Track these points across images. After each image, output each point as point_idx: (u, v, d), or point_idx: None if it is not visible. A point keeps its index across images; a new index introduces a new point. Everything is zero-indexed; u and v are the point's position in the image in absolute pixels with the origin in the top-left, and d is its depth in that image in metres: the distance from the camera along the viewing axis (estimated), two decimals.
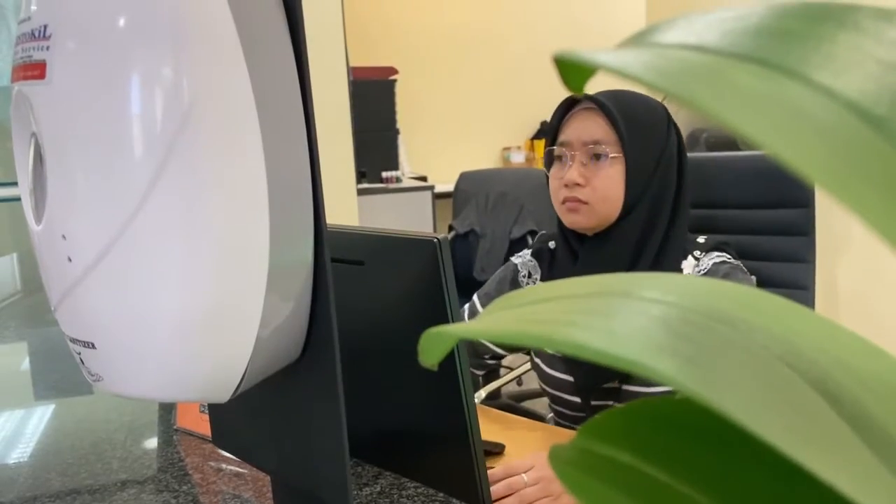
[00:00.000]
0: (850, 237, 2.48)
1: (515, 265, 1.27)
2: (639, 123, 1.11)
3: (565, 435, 1.12)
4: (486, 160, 4.47)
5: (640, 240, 1.12)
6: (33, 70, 0.46)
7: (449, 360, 0.79)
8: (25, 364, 2.16)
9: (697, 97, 0.19)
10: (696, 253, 1.14)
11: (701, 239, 1.16)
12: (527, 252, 1.27)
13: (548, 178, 1.18)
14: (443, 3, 4.42)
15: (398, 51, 4.28)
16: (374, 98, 3.69)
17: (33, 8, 0.48)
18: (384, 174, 3.79)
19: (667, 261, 1.12)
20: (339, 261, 0.75)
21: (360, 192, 3.33)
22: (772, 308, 0.27)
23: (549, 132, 1.18)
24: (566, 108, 1.15)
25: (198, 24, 0.46)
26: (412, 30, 4.39)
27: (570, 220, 1.14)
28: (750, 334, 0.24)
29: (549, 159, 1.17)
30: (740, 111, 0.18)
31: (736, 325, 0.25)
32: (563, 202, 1.13)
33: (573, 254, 1.17)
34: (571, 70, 0.24)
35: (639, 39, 0.25)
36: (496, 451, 1.01)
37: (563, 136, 1.14)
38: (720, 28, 0.23)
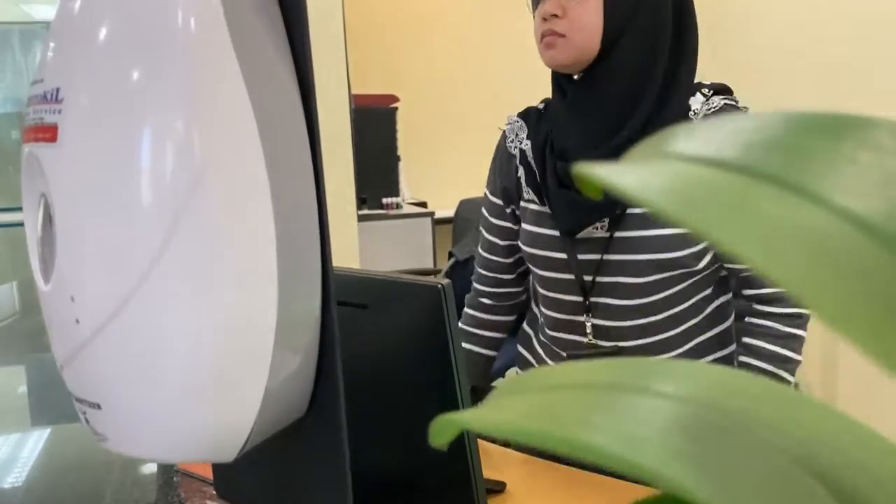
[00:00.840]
0: None
1: (504, 132, 1.22)
2: None
3: (564, 473, 1.11)
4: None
5: (636, 75, 1.04)
6: (45, 133, 0.46)
7: (451, 402, 0.79)
8: (23, 388, 2.14)
9: (721, 234, 0.19)
10: (704, 91, 1.08)
11: (705, 81, 1.10)
12: (514, 115, 1.22)
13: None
14: (444, 31, 4.46)
15: (400, 78, 4.31)
16: (375, 125, 3.70)
17: (46, 70, 0.48)
18: (384, 200, 3.80)
19: (675, 97, 1.05)
20: (343, 304, 0.75)
21: (361, 219, 3.33)
22: (788, 404, 0.27)
23: None
24: None
25: (209, 88, 0.46)
26: (414, 57, 4.42)
27: (548, 58, 1.07)
28: (766, 436, 0.24)
29: (535, 1, 1.10)
30: (765, 250, 0.18)
31: (752, 426, 0.24)
32: (542, 37, 1.06)
33: (564, 98, 1.10)
34: (590, 181, 0.24)
35: (658, 149, 0.25)
36: (497, 489, 1.00)
37: None
38: (740, 140, 0.24)
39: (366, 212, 3.67)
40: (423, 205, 4.09)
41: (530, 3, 1.12)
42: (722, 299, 1.16)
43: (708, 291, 1.13)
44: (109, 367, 0.47)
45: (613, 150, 1.04)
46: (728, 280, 1.16)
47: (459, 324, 1.23)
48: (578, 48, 1.04)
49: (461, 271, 3.19)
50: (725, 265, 1.11)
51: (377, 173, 3.74)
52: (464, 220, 3.22)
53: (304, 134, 0.52)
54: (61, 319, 0.48)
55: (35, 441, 1.19)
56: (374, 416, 0.83)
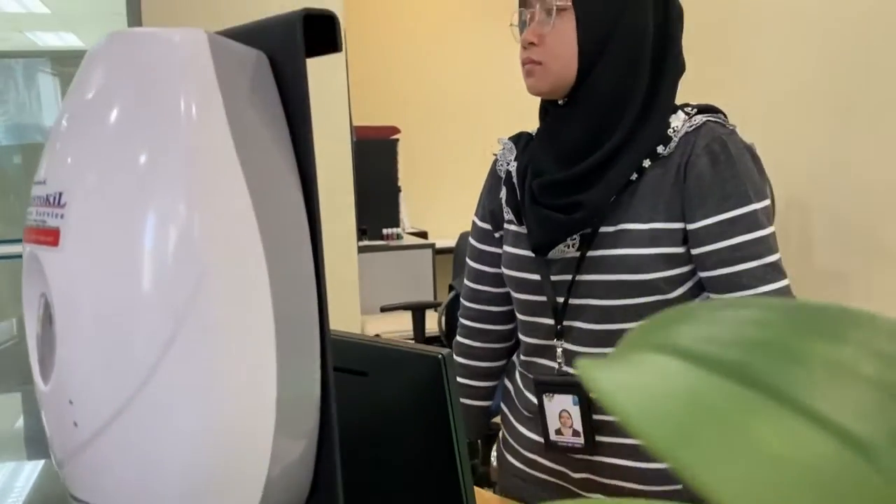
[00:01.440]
0: None
1: (496, 157, 1.23)
2: None
3: None
4: None
5: (615, 97, 1.03)
6: (47, 236, 0.46)
7: (451, 474, 0.78)
8: (19, 419, 2.12)
9: (713, 475, 0.18)
10: (687, 108, 1.07)
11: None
12: (505, 138, 1.22)
13: None
14: (445, 63, 4.49)
15: (401, 110, 4.34)
16: (376, 157, 3.72)
17: (49, 172, 0.48)
18: (385, 231, 3.81)
19: (656, 116, 1.04)
20: (341, 370, 0.75)
21: (361, 250, 3.33)
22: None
23: None
24: None
25: (211, 192, 0.46)
26: (415, 88, 4.45)
27: (528, 85, 1.07)
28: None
29: (522, 27, 1.10)
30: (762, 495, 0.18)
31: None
32: (523, 66, 1.07)
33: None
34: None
35: (655, 337, 0.25)
36: None
37: None
38: (741, 337, 0.24)
39: (366, 243, 3.68)
40: (424, 234, 4.10)
41: (517, 32, 1.12)
42: None
43: None
44: (108, 469, 0.47)
45: (586, 170, 1.03)
46: None
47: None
48: (555, 75, 1.04)
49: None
50: (712, 296, 1.05)
51: (378, 204, 3.75)
52: (465, 253, 3.22)
53: (305, 226, 0.52)
54: (59, 421, 0.48)
55: (29, 472, 1.18)
56: (373, 485, 0.82)
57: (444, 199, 4.51)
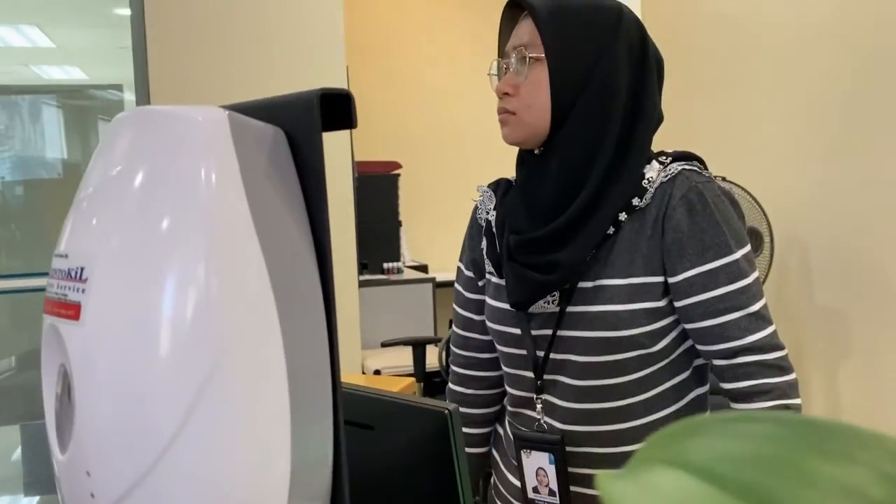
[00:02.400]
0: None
1: (476, 205, 1.22)
2: (570, 22, 1.02)
3: None
4: None
5: (586, 145, 1.02)
6: (68, 310, 0.48)
7: None
8: (17, 455, 2.10)
9: None
10: (662, 158, 1.05)
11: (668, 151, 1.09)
12: (484, 186, 1.21)
13: None
14: (446, 98, 4.54)
15: (402, 144, 4.38)
16: (377, 191, 3.75)
17: (70, 246, 0.49)
18: (385, 265, 3.82)
19: (628, 165, 1.02)
20: (348, 423, 0.75)
21: (362, 284, 3.34)
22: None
23: (499, 47, 1.11)
24: (513, 20, 1.08)
25: (230, 272, 0.47)
26: (416, 124, 4.50)
27: (503, 135, 1.06)
28: None
29: (500, 76, 1.10)
30: None
31: None
32: (498, 115, 1.06)
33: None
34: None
35: (667, 452, 0.26)
36: None
37: (502, 46, 1.08)
38: (751, 455, 0.24)
39: (367, 277, 3.68)
40: (424, 268, 4.11)
41: (495, 81, 1.11)
42: (699, 391, 1.09)
43: (677, 380, 1.06)
44: None
45: (561, 227, 1.02)
46: (704, 370, 1.10)
47: None
48: (529, 125, 1.04)
49: None
50: (699, 347, 1.04)
51: (378, 238, 3.76)
52: None
53: (319, 295, 0.53)
54: (76, 492, 0.49)
55: None
56: None
57: (444, 232, 4.53)
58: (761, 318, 1.01)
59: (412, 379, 3.11)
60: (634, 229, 1.02)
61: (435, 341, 3.25)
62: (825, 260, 2.55)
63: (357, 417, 0.85)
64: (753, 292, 1.01)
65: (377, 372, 3.31)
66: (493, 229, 1.14)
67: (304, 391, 0.52)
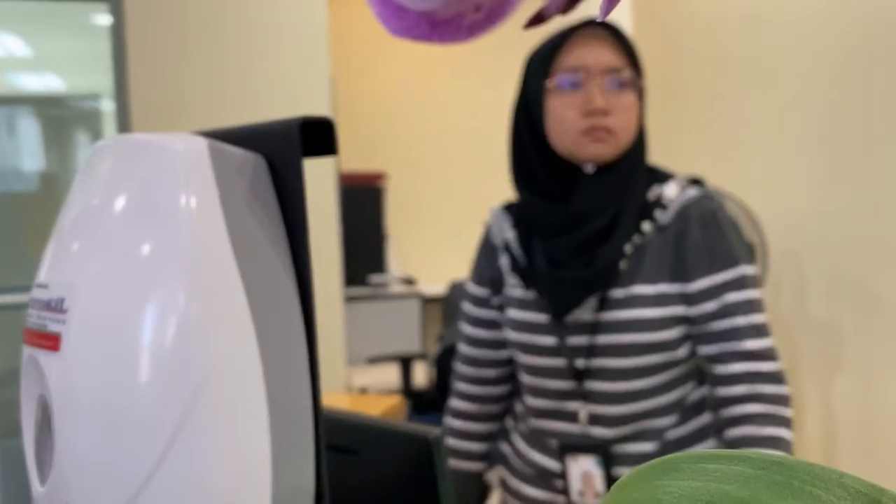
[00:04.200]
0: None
1: (487, 226, 1.27)
2: (636, 50, 1.14)
3: None
4: None
5: (634, 173, 1.15)
6: (48, 341, 0.47)
7: None
8: None
9: None
10: (680, 180, 1.16)
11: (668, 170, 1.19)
12: (496, 207, 1.26)
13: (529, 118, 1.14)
14: (433, 109, 4.55)
15: (390, 154, 4.38)
16: (363, 203, 3.74)
17: (50, 275, 0.49)
18: (372, 278, 3.81)
19: (642, 185, 1.15)
20: (331, 448, 0.75)
21: (347, 299, 3.34)
22: None
23: (541, 62, 1.12)
24: (563, 36, 1.11)
25: (209, 299, 0.47)
26: (402, 135, 4.50)
27: (592, 151, 1.11)
28: None
29: (559, 87, 1.11)
30: None
31: None
32: (588, 132, 1.10)
33: (566, 189, 1.15)
34: None
35: (639, 490, 0.26)
36: None
37: (578, 61, 1.09)
38: (720, 492, 0.25)
39: (353, 291, 3.67)
40: (411, 281, 4.10)
41: (539, 90, 1.12)
42: (704, 391, 1.18)
43: (689, 386, 1.16)
44: None
45: (595, 231, 1.11)
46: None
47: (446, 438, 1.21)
48: (621, 146, 1.13)
49: (453, 356, 3.19)
50: (701, 349, 1.12)
51: (364, 252, 3.76)
52: (455, 304, 3.23)
53: (300, 324, 0.53)
54: None
55: None
56: None
57: (432, 244, 4.53)
58: (762, 330, 1.10)
59: (400, 397, 3.10)
60: (659, 243, 1.12)
61: (422, 356, 3.25)
62: (820, 272, 2.57)
63: (341, 442, 0.84)
64: (757, 305, 1.10)
65: (363, 390, 3.30)
66: (518, 246, 1.19)
67: (285, 417, 0.52)
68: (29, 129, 4.20)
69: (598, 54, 1.09)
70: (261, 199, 0.51)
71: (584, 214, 1.12)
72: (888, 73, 2.30)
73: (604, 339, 1.11)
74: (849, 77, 2.42)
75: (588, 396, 1.13)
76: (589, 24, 1.10)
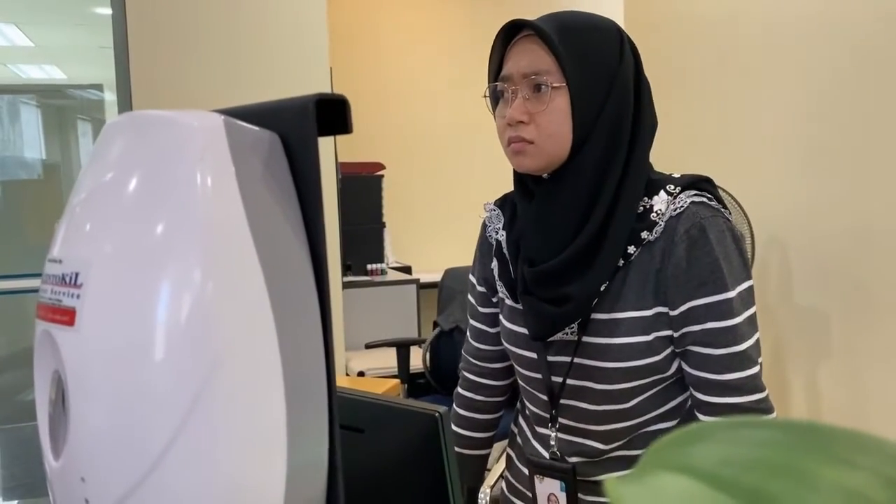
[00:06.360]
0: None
1: (484, 221, 1.21)
2: (583, 46, 1.00)
3: None
4: (471, 251, 4.51)
5: (597, 175, 1.01)
6: (62, 315, 0.47)
7: None
8: None
9: None
10: (670, 188, 1.03)
11: (676, 174, 1.07)
12: (491, 203, 1.20)
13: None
14: (431, 99, 4.54)
15: (386, 145, 4.37)
16: (361, 193, 3.74)
17: (64, 251, 0.49)
18: (369, 266, 3.81)
19: (627, 196, 1.02)
20: (340, 427, 0.76)
21: (345, 286, 3.34)
22: None
23: (491, 68, 1.06)
24: (506, 40, 1.04)
25: (225, 274, 0.47)
26: (400, 125, 4.49)
27: (517, 164, 1.04)
28: None
29: (494, 98, 1.06)
30: None
31: None
32: (509, 144, 1.03)
33: (530, 197, 1.07)
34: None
35: (674, 457, 0.26)
36: None
37: (504, 70, 1.03)
38: (757, 458, 0.25)
39: (350, 278, 3.68)
40: (408, 269, 4.10)
41: (489, 102, 1.08)
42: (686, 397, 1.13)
43: (680, 398, 1.09)
44: None
45: (575, 256, 1.02)
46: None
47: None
48: (548, 155, 1.01)
49: (446, 341, 3.19)
50: (685, 368, 1.05)
51: (362, 240, 3.76)
52: (449, 290, 3.23)
53: (315, 299, 0.53)
54: (70, 498, 0.48)
55: None
56: None
57: (428, 233, 4.53)
58: (747, 358, 1.01)
59: (397, 381, 3.11)
60: (645, 262, 1.02)
61: (419, 342, 3.25)
62: (805, 261, 2.58)
63: (348, 421, 0.85)
64: (742, 332, 1.01)
65: (361, 374, 3.30)
66: (505, 251, 1.14)
67: (301, 395, 0.52)
68: (31, 118, 4.18)
69: (522, 60, 1.01)
70: (276, 176, 0.51)
71: (560, 236, 1.03)
72: (875, 67, 2.30)
73: (585, 361, 1.05)
74: (836, 71, 2.43)
75: (563, 413, 1.09)
76: (524, 27, 1.02)
